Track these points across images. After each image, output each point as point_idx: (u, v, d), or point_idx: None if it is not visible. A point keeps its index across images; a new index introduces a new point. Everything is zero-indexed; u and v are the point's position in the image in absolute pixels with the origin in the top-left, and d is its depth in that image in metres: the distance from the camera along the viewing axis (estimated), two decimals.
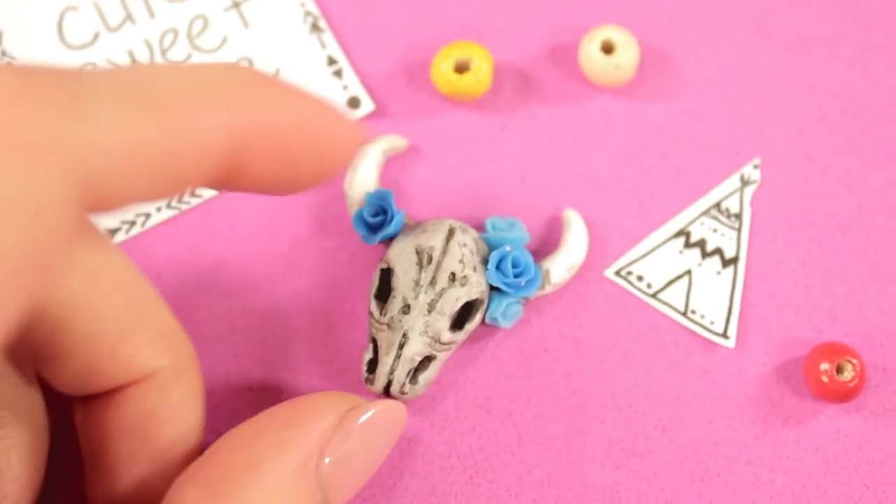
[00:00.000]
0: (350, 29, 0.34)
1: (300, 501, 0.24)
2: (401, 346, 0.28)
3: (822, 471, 0.30)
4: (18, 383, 0.25)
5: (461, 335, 0.29)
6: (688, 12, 0.34)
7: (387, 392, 0.28)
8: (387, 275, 0.29)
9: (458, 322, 0.29)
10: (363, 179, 0.31)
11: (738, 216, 0.32)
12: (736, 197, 0.32)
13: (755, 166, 0.32)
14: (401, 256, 0.29)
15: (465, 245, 0.29)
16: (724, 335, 0.31)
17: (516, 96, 0.33)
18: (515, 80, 0.33)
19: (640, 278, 0.31)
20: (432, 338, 0.28)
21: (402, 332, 0.28)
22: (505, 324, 0.30)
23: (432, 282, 0.28)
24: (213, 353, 0.31)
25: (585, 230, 0.31)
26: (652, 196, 0.32)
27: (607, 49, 0.32)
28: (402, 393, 0.28)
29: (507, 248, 0.29)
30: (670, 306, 0.31)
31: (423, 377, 0.29)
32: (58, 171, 0.17)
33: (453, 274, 0.28)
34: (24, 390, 0.26)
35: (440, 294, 0.28)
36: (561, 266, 0.30)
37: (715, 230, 0.32)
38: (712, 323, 0.31)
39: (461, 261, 0.29)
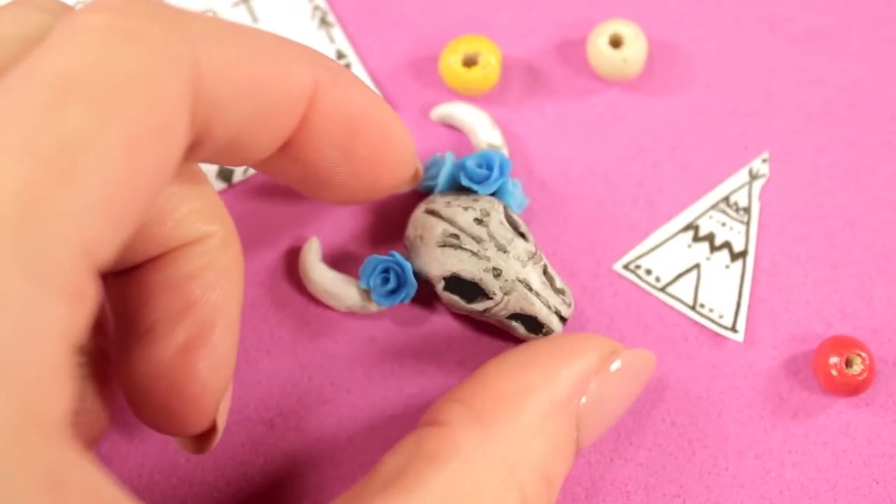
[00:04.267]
0: (358, 23, 0.34)
1: (562, 434, 0.25)
2: (528, 287, 0.28)
3: (832, 465, 0.30)
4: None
5: (525, 239, 0.29)
6: (695, 6, 0.34)
7: (563, 319, 0.29)
8: (454, 281, 0.29)
9: (515, 230, 0.29)
10: (326, 277, 0.30)
11: (747, 210, 0.32)
12: (744, 191, 0.32)
13: (764, 160, 0.32)
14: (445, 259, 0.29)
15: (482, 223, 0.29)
16: (733, 329, 0.31)
17: (524, 90, 0.33)
18: (523, 74, 0.33)
19: (648, 272, 0.31)
20: (526, 257, 0.28)
21: (514, 280, 0.28)
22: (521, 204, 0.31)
23: (478, 240, 0.29)
24: None
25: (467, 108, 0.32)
26: (660, 190, 0.32)
27: (615, 43, 0.32)
28: (568, 305, 0.29)
29: (445, 158, 0.30)
30: (679, 300, 0.31)
31: (552, 273, 0.29)
32: (170, 58, 0.20)
33: (498, 242, 0.29)
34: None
35: (492, 237, 0.28)
36: (484, 135, 0.31)
37: (723, 224, 0.32)
38: (721, 317, 0.31)
39: (497, 227, 0.29)
